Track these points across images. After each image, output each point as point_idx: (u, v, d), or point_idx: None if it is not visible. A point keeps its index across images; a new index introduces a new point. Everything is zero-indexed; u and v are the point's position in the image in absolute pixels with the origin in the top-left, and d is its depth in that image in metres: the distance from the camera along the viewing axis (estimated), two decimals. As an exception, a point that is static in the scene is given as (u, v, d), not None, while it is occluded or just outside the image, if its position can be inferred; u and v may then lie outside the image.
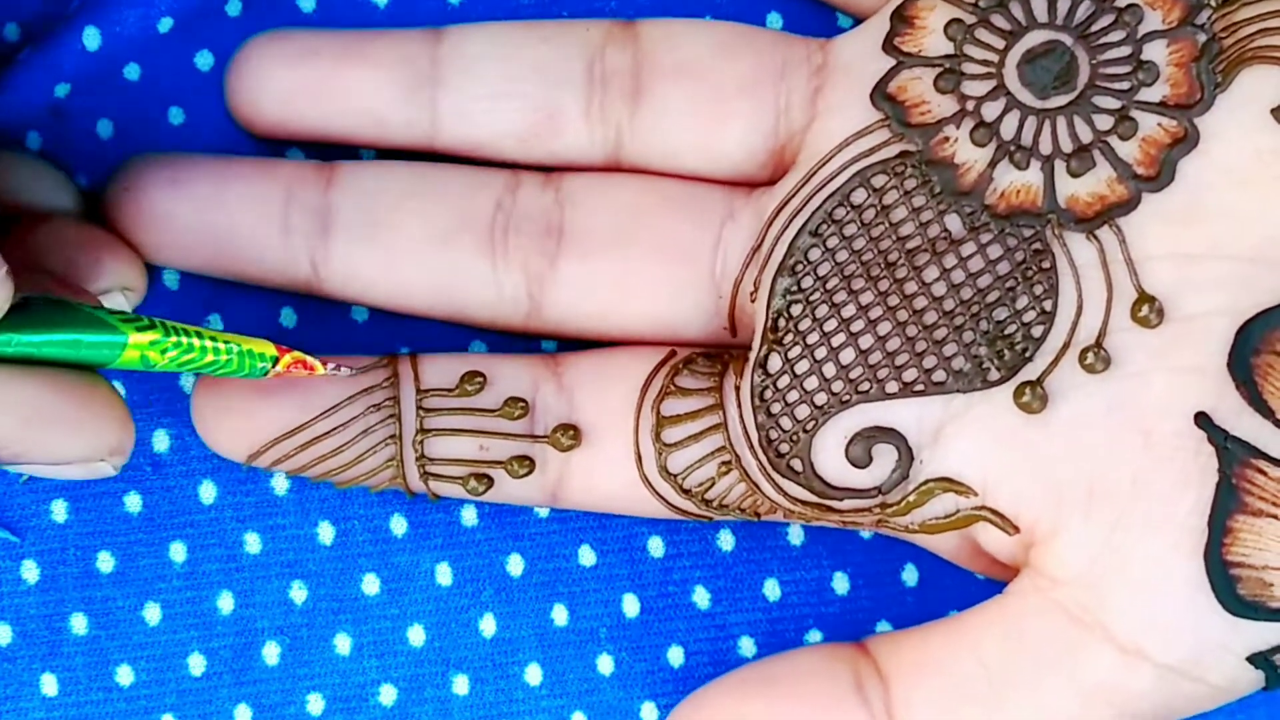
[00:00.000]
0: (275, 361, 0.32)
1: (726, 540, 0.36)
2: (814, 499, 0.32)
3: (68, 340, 0.30)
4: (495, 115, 0.34)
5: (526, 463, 0.33)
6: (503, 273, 0.34)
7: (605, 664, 0.36)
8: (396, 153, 0.35)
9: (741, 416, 0.33)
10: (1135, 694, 0.31)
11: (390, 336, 0.36)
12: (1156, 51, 0.32)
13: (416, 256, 0.34)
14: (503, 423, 0.34)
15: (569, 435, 0.33)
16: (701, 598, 0.36)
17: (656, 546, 0.36)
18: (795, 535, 0.36)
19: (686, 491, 0.33)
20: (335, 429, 0.33)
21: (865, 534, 0.36)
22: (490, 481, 0.34)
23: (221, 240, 0.34)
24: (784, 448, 0.32)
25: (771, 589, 0.36)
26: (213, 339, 0.31)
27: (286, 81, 0.34)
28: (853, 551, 0.36)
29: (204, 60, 0.36)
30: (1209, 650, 0.30)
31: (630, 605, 0.36)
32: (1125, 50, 0.32)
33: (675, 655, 0.36)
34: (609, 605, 0.36)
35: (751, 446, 0.33)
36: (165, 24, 0.36)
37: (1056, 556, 0.31)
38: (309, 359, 0.32)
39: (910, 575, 0.36)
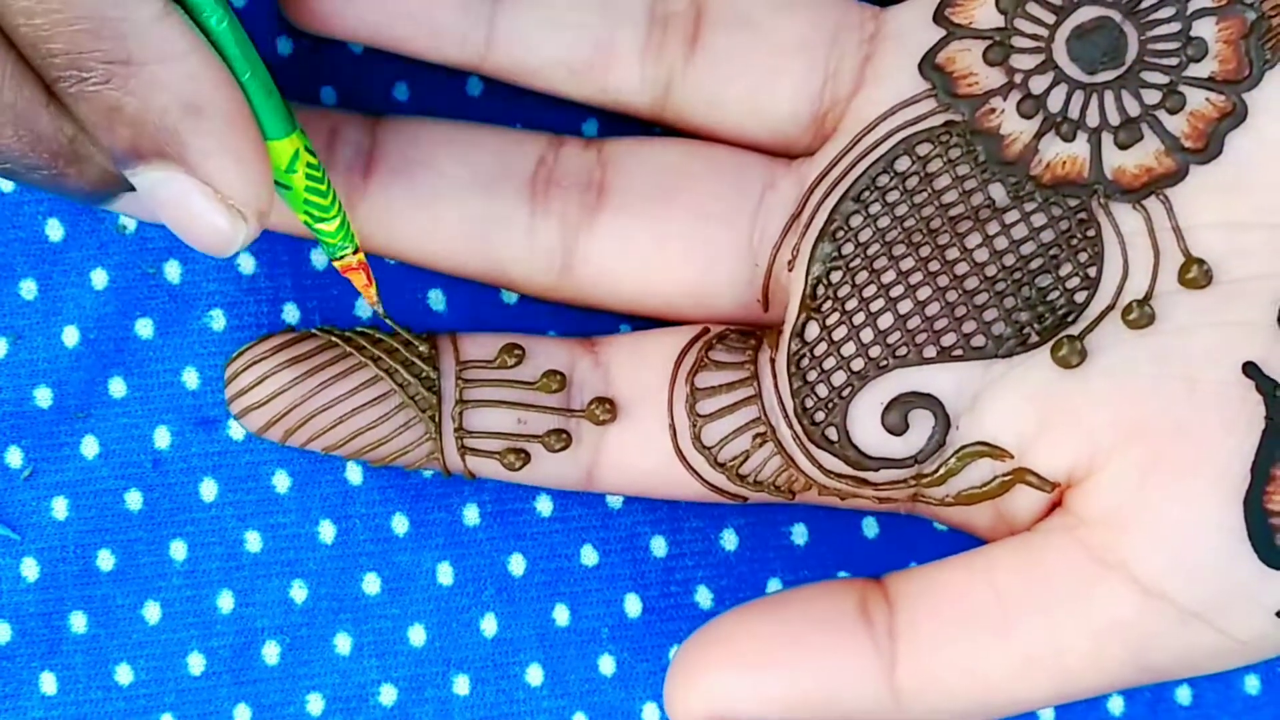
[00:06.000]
0: (355, 251, 0.32)
1: (730, 540, 0.36)
2: (849, 470, 0.32)
3: (263, 78, 0.29)
4: (552, 42, 0.33)
5: (563, 437, 0.33)
6: (540, 224, 0.34)
7: (607, 664, 0.36)
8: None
9: (777, 388, 0.33)
10: (1153, 637, 0.31)
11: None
12: (1205, 28, 0.32)
13: (453, 199, 0.33)
14: (540, 396, 0.34)
15: (605, 409, 0.33)
16: (704, 598, 0.36)
17: (659, 546, 0.36)
18: (799, 535, 0.36)
19: (721, 465, 0.33)
20: (373, 400, 0.33)
21: (870, 533, 0.36)
22: (527, 457, 0.33)
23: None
24: (819, 416, 0.32)
25: (775, 589, 0.36)
26: (335, 195, 0.31)
27: None
28: (856, 551, 0.36)
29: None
30: (1237, 600, 0.30)
31: (632, 605, 0.36)
32: (1174, 27, 0.32)
33: (678, 656, 0.36)
34: (611, 605, 0.36)
35: (786, 417, 0.33)
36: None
37: (1088, 496, 0.31)
38: (370, 274, 0.32)
39: (914, 572, 0.36)
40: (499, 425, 0.33)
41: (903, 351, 0.32)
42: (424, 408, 0.33)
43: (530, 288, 0.34)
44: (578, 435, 0.34)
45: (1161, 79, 0.32)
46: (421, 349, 0.34)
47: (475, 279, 0.34)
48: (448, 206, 0.33)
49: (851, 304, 0.32)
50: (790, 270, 0.33)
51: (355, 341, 0.34)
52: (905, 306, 0.32)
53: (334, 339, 0.34)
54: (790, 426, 0.33)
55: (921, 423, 0.32)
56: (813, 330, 0.32)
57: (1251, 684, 0.36)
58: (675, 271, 0.34)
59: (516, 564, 0.36)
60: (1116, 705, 0.36)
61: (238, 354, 0.34)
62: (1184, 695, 0.36)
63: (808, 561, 0.36)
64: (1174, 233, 0.31)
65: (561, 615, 0.36)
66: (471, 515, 0.36)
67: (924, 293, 0.32)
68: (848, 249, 0.32)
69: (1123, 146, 0.32)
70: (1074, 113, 0.32)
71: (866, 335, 0.32)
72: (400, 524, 0.36)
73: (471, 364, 0.34)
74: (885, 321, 0.32)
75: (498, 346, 0.34)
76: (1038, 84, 0.32)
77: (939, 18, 0.33)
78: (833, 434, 0.32)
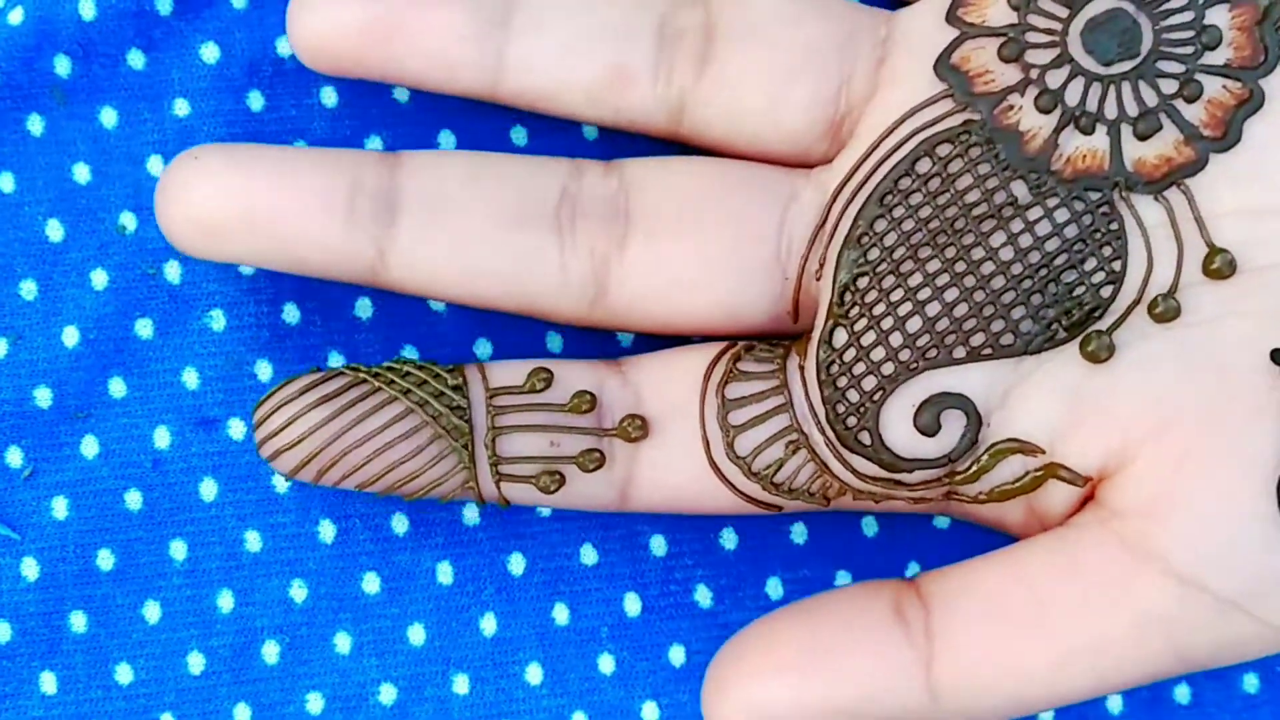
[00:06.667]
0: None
1: (729, 539, 0.36)
2: (883, 473, 0.32)
3: None
4: (565, 66, 0.33)
5: (597, 456, 0.33)
6: (570, 256, 0.33)
7: (606, 663, 0.36)
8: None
9: (807, 395, 0.33)
10: (1190, 627, 0.31)
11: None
12: (1219, 16, 0.32)
13: (484, 240, 0.33)
14: (572, 418, 0.33)
15: (637, 426, 0.33)
16: (704, 596, 0.36)
17: (659, 545, 0.36)
18: (798, 533, 0.36)
19: (755, 475, 0.33)
20: (406, 434, 0.33)
21: (869, 532, 0.36)
22: (562, 479, 0.33)
23: (284, 228, 0.32)
24: (851, 421, 0.32)
25: (774, 588, 0.36)
26: None
27: (353, 16, 0.33)
28: (856, 550, 0.36)
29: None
30: (1273, 586, 0.30)
31: (632, 604, 0.36)
32: (1188, 16, 0.32)
33: (677, 655, 0.36)
34: (610, 604, 0.36)
35: (819, 423, 0.33)
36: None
37: (1121, 488, 0.32)
38: None
39: (914, 573, 0.36)
40: (532, 449, 0.33)
41: (932, 353, 0.32)
42: (457, 438, 0.33)
43: (562, 318, 0.34)
44: (610, 455, 0.33)
45: (1178, 68, 0.32)
46: (450, 379, 0.34)
47: (507, 313, 0.34)
48: (476, 248, 0.33)
49: (879, 309, 0.32)
50: (818, 280, 0.33)
51: (384, 376, 0.33)
52: (933, 309, 0.32)
53: (362, 375, 0.33)
54: (823, 433, 0.33)
55: (953, 422, 0.32)
56: (841, 337, 0.32)
57: (1250, 683, 0.36)
58: (707, 291, 0.33)
59: (516, 563, 0.36)
60: (1115, 704, 0.36)
61: (266, 397, 0.33)
62: (1182, 694, 0.36)
63: (807, 560, 0.36)
64: (1196, 223, 0.31)
65: (561, 614, 0.36)
66: (471, 515, 0.36)
67: (951, 294, 0.32)
68: (873, 254, 0.32)
69: (1142, 137, 0.32)
70: (1092, 105, 0.32)
71: (895, 339, 0.32)
72: (400, 523, 0.36)
73: (501, 390, 0.33)
74: (913, 325, 0.32)
75: (525, 372, 0.34)
76: (1054, 78, 0.32)
77: (951, 18, 0.33)
78: (865, 438, 0.32)
